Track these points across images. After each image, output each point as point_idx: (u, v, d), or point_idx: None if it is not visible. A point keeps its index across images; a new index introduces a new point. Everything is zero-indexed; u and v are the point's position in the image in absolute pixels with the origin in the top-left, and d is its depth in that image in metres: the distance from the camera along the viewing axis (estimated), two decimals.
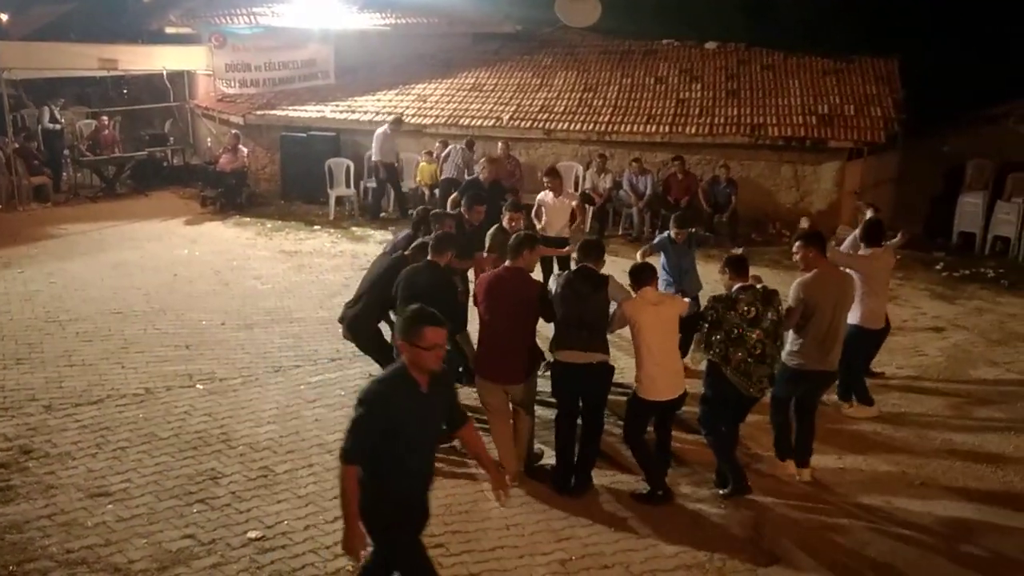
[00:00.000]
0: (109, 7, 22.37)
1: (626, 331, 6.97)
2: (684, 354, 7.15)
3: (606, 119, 16.97)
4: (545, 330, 7.13)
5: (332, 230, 15.86)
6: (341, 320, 8.02)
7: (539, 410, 7.55)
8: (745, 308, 6.69)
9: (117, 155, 18.85)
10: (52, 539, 6.10)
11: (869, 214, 8.84)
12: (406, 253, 7.98)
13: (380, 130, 16.53)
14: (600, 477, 7.18)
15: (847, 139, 15.39)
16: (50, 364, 9.25)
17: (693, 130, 16.27)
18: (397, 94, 18.75)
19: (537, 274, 8.29)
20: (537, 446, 7.46)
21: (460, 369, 8.15)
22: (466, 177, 14.83)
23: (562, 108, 17.50)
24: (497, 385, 6.96)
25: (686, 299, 7.60)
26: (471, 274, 8.41)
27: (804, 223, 11.75)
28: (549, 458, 7.33)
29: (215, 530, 6.29)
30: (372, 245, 14.87)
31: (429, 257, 7.38)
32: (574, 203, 11.27)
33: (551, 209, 11.01)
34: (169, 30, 20.41)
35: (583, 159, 16.70)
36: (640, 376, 6.77)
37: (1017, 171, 15.71)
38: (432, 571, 5.07)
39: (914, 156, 16.86)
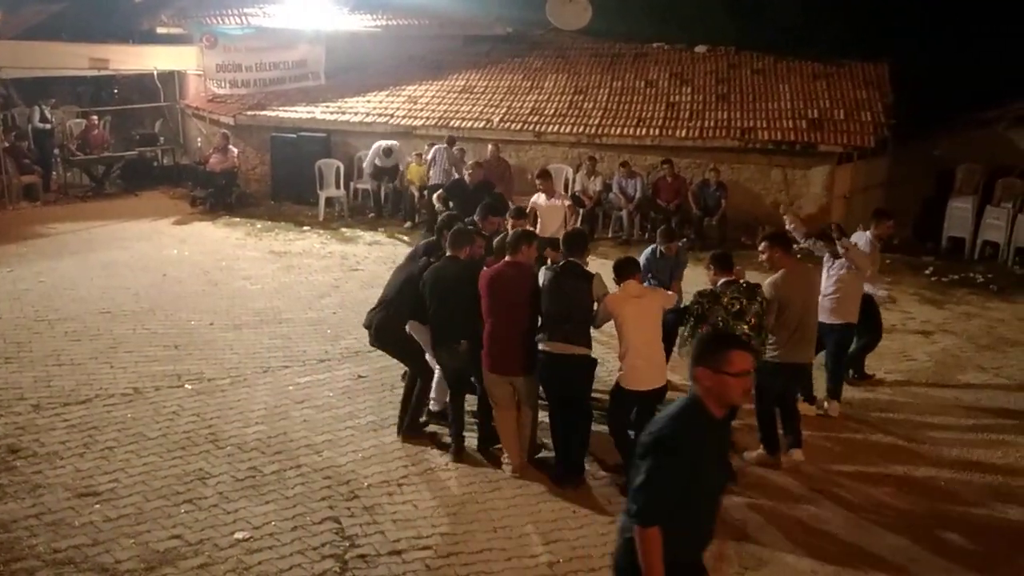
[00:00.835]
0: (100, 7, 22.25)
1: (610, 326, 7.12)
2: (670, 348, 7.21)
3: (596, 122, 17.00)
4: None
5: (321, 231, 15.86)
6: (367, 326, 7.90)
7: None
8: (729, 302, 6.89)
9: (107, 155, 18.85)
10: (39, 538, 6.09)
11: (790, 226, 8.89)
12: (431, 260, 7.90)
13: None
14: (590, 479, 7.21)
15: (837, 143, 15.44)
16: (39, 363, 9.23)
17: (683, 133, 16.31)
18: (388, 95, 18.75)
19: None
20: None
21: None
22: (455, 176, 14.88)
23: (552, 110, 17.53)
24: (503, 377, 7.17)
25: (670, 292, 7.68)
26: None
27: (789, 224, 11.71)
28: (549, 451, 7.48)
29: (203, 530, 6.29)
30: (361, 246, 14.89)
31: (448, 252, 7.51)
32: (567, 204, 11.39)
33: (544, 211, 11.08)
34: (160, 30, 20.36)
35: (573, 161, 16.73)
36: (623, 367, 6.92)
37: (1007, 176, 15.76)
38: None
39: (904, 160, 16.91)
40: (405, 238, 15.43)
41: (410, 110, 18.03)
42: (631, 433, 7.04)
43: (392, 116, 17.82)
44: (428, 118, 17.65)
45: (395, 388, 8.77)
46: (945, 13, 17.74)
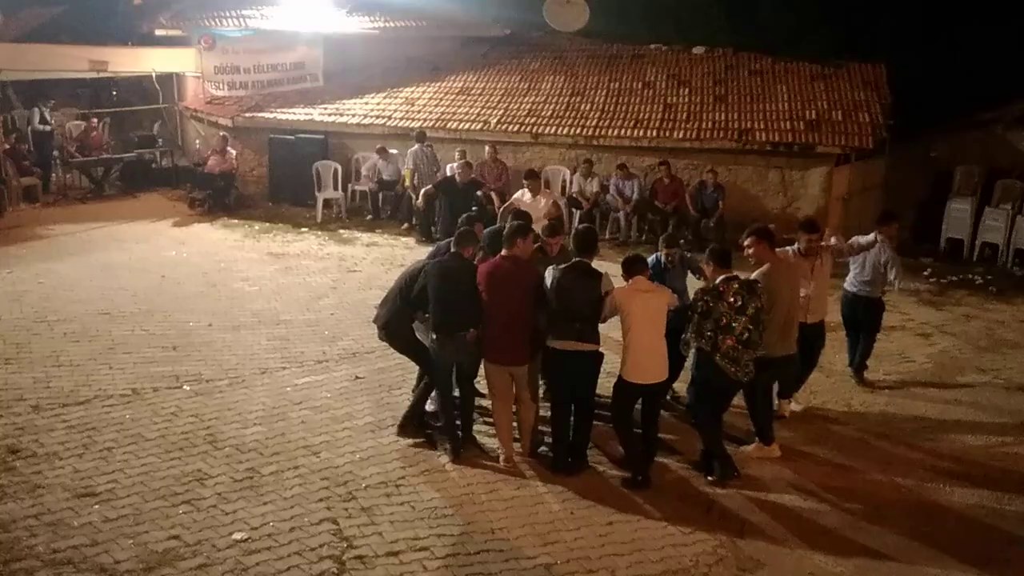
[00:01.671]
0: (99, 10, 22.27)
1: (611, 323, 7.27)
2: (674, 345, 7.27)
3: (593, 123, 17.00)
4: None
5: (319, 232, 15.87)
6: (375, 321, 8.03)
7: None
8: (732, 298, 6.99)
9: (106, 156, 18.84)
10: (39, 539, 6.11)
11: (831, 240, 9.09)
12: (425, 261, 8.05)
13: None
14: (588, 480, 7.23)
15: (835, 145, 15.44)
16: (38, 364, 9.25)
17: (680, 135, 16.30)
18: (385, 97, 18.74)
19: None
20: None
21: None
22: (433, 172, 15.22)
23: (550, 112, 17.52)
24: (502, 367, 7.41)
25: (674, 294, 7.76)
26: None
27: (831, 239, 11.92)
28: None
29: (201, 531, 6.31)
30: (359, 248, 14.90)
31: (454, 249, 7.64)
32: (551, 202, 11.83)
33: (526, 207, 11.00)
34: (159, 32, 20.31)
35: (570, 163, 16.73)
36: (626, 360, 7.11)
37: (1005, 177, 15.79)
38: None
39: (902, 162, 16.92)
40: (403, 240, 15.44)
41: (408, 112, 18.03)
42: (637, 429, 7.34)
43: (390, 118, 17.82)
44: (426, 120, 17.63)
45: (392, 389, 8.81)
46: (943, 14, 17.76)
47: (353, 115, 18.13)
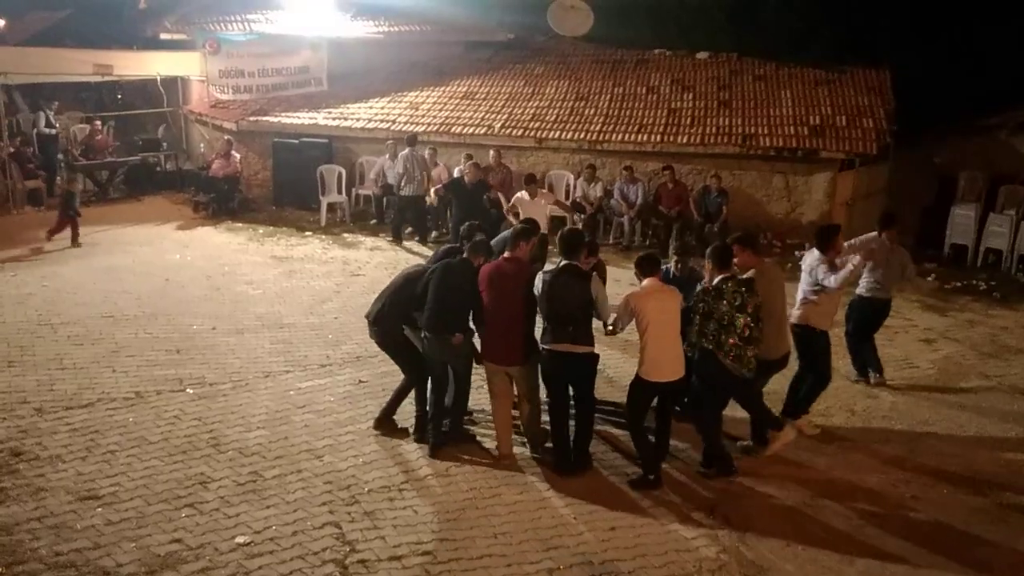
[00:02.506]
0: (104, 13, 22.33)
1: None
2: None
3: (597, 128, 17.01)
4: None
5: (323, 236, 15.88)
6: (368, 316, 8.05)
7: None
8: (732, 296, 7.08)
9: (110, 160, 18.87)
10: (41, 542, 6.12)
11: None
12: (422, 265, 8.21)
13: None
14: (591, 484, 7.23)
15: (839, 150, 15.45)
16: (41, 367, 9.26)
17: (684, 140, 16.32)
18: (389, 102, 18.78)
19: None
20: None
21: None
22: (417, 177, 15.39)
23: (554, 117, 17.54)
24: (500, 367, 7.50)
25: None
26: None
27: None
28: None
29: (203, 535, 6.31)
30: (363, 251, 14.91)
31: (466, 255, 7.75)
32: (550, 203, 12.85)
33: (527, 206, 12.09)
34: (164, 36, 20.38)
35: (574, 168, 16.74)
36: (643, 360, 7.16)
37: (1009, 183, 15.76)
38: None
39: (906, 167, 16.91)
40: (406, 244, 15.46)
41: (412, 116, 18.05)
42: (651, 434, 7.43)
43: (394, 122, 17.84)
44: (430, 124, 17.67)
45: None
46: (947, 19, 17.77)
47: (357, 119, 18.16)
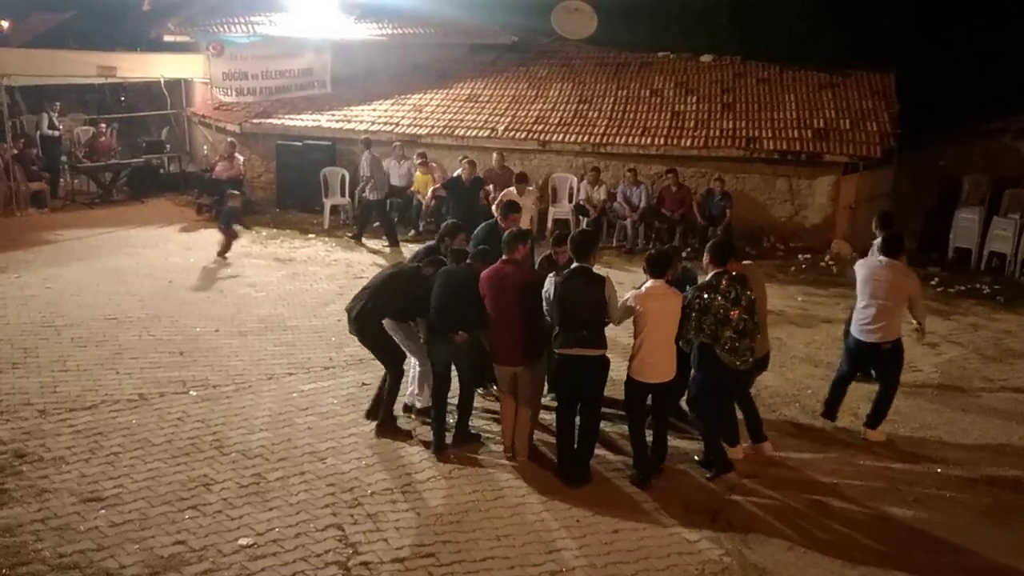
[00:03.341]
0: (108, 15, 22.38)
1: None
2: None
3: (601, 131, 17.01)
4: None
5: (327, 239, 15.89)
6: (348, 311, 8.06)
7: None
8: (727, 291, 7.15)
9: (114, 162, 18.90)
10: (45, 543, 6.12)
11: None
12: (420, 264, 8.21)
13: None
14: (594, 487, 7.23)
15: (842, 153, 15.44)
16: (45, 369, 9.27)
17: (688, 143, 16.32)
18: (393, 104, 18.80)
19: None
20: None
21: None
22: (376, 177, 15.53)
23: (557, 119, 17.55)
24: (507, 368, 7.61)
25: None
26: None
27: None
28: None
29: (206, 536, 6.31)
30: (366, 254, 14.92)
31: (469, 261, 7.83)
32: (532, 200, 13.55)
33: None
34: (167, 38, 20.41)
35: (578, 171, 16.74)
36: (635, 360, 7.22)
37: (1013, 187, 15.72)
38: None
39: (909, 171, 16.89)
40: (410, 246, 15.44)
41: (415, 119, 18.07)
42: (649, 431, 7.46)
43: (397, 125, 17.86)
44: (433, 127, 17.69)
45: (399, 396, 8.77)
46: (951, 22, 17.75)
47: (361, 122, 18.16)
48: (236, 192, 15.15)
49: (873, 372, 8.91)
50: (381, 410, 8.16)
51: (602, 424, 7.75)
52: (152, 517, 6.53)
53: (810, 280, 14.05)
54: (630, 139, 16.68)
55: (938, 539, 6.68)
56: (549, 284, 7.24)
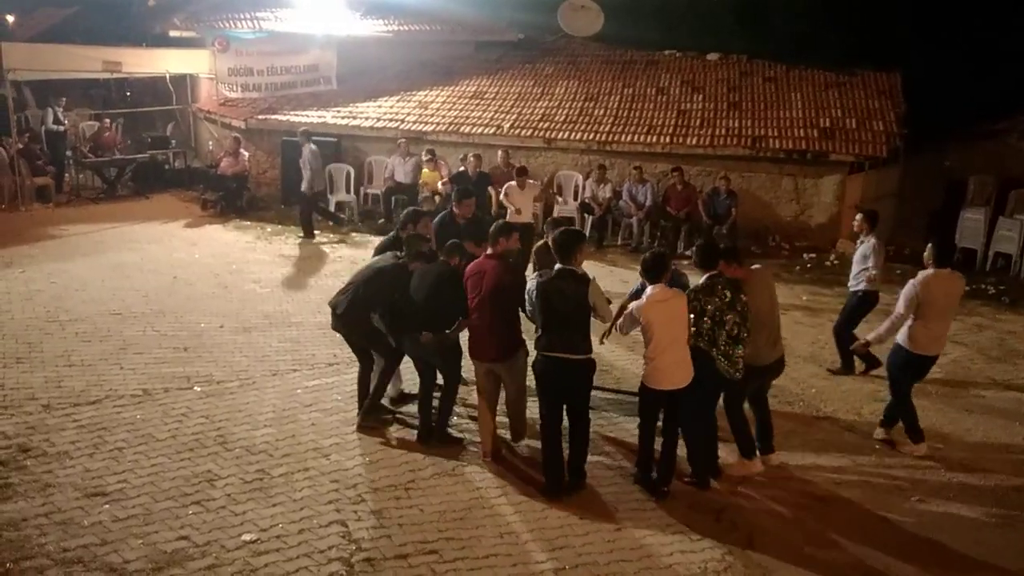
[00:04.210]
0: (113, 10, 22.43)
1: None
2: None
3: (607, 129, 17.01)
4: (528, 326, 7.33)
5: (331, 235, 15.89)
6: (333, 307, 8.04)
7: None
8: (721, 293, 6.99)
9: (119, 157, 18.93)
10: (49, 537, 6.12)
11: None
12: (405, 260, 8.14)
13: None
14: (597, 486, 7.22)
15: (848, 153, 15.43)
16: (49, 364, 9.27)
17: (694, 141, 16.32)
18: (398, 101, 18.81)
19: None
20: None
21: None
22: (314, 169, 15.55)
23: (563, 117, 17.55)
24: (484, 363, 7.45)
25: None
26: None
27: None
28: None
29: (210, 532, 6.31)
30: (370, 250, 14.76)
31: (442, 258, 7.82)
32: (535, 192, 13.80)
33: (515, 196, 12.95)
34: (173, 33, 20.44)
35: (583, 168, 16.74)
36: (649, 368, 6.97)
37: (1019, 187, 15.68)
38: None
39: (915, 171, 16.87)
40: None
41: (421, 115, 18.08)
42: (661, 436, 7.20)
43: (403, 121, 17.87)
44: (439, 124, 17.69)
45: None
46: (958, 23, 17.73)
47: (366, 118, 18.19)
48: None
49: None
50: (367, 400, 8.13)
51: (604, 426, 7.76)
52: (156, 512, 6.53)
53: (815, 279, 14.03)
54: (636, 137, 16.67)
55: (941, 540, 6.66)
56: (532, 285, 7.00)
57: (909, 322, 7.99)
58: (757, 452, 7.61)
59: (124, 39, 20.69)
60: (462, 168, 15.20)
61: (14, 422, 7.88)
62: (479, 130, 17.35)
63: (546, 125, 17.31)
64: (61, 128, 19.09)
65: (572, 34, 21.18)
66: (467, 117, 17.84)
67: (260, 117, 18.69)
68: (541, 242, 8.20)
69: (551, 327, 6.87)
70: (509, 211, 13.16)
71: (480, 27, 21.52)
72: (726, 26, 20.00)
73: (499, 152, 16.22)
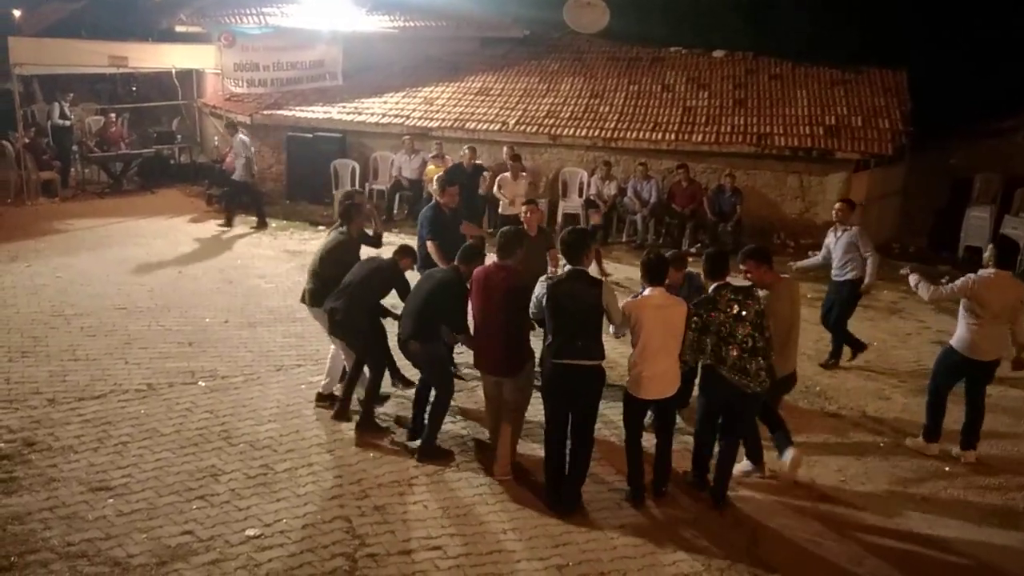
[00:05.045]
0: (120, 5, 22.45)
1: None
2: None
3: (612, 125, 16.99)
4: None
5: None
6: (331, 312, 7.95)
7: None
8: (727, 306, 6.61)
9: (124, 152, 18.95)
10: (53, 531, 6.14)
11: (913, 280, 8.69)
12: (395, 258, 8.25)
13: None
14: (598, 485, 7.22)
15: (854, 150, 15.39)
16: (54, 358, 9.29)
17: (699, 138, 16.29)
18: (404, 96, 18.80)
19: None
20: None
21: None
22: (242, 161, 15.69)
23: (568, 114, 17.53)
24: (492, 377, 7.26)
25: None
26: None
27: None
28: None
29: (214, 527, 6.33)
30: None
31: (456, 262, 7.55)
32: (527, 181, 14.57)
33: (509, 185, 13.59)
34: (179, 29, 20.44)
35: (588, 165, 16.72)
36: (632, 374, 6.73)
37: None
38: None
39: (921, 169, 16.83)
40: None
41: (426, 111, 18.06)
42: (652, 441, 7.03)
43: (408, 117, 17.86)
44: (444, 119, 17.67)
45: (406, 388, 8.78)
46: (964, 21, 17.69)
47: (372, 114, 18.18)
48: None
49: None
50: (361, 411, 8.07)
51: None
52: (160, 507, 6.55)
53: (820, 277, 13.96)
54: (641, 134, 16.64)
55: (945, 539, 6.66)
56: (540, 288, 6.74)
57: (962, 324, 7.86)
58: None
59: (130, 34, 20.72)
60: (458, 161, 15.32)
61: (19, 416, 7.90)
62: (484, 126, 17.33)
63: (551, 122, 17.29)
64: (67, 123, 19.10)
65: (578, 30, 21.16)
66: (472, 113, 17.83)
67: (266, 112, 18.68)
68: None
69: (561, 331, 6.60)
70: (502, 202, 13.31)
71: (486, 23, 21.51)
72: (732, 23, 19.97)
73: (504, 148, 16.21)
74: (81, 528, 6.21)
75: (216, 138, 19.70)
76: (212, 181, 17.96)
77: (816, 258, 10.32)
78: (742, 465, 7.39)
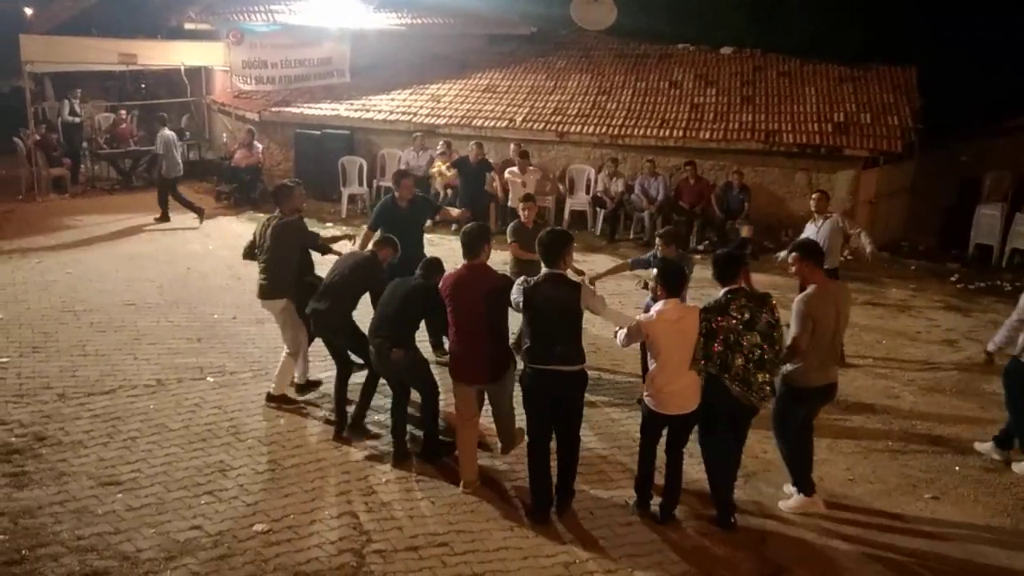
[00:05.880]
0: (130, 3, 22.42)
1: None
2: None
3: (619, 122, 16.96)
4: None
5: (344, 227, 15.88)
6: (314, 314, 7.86)
7: None
8: (737, 312, 6.24)
9: (134, 149, 19.01)
10: (63, 525, 6.18)
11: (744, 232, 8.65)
12: (374, 251, 8.26)
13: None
14: (605, 484, 7.22)
15: (863, 148, 15.32)
16: (65, 353, 9.34)
17: (707, 135, 16.25)
18: (411, 94, 18.81)
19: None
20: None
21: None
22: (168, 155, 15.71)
23: (575, 111, 17.51)
24: (471, 386, 6.92)
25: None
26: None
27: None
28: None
29: (222, 522, 6.35)
30: None
31: (420, 273, 7.40)
32: (536, 177, 14.75)
33: (515, 180, 13.72)
34: (188, 26, 20.49)
35: (595, 162, 16.71)
36: (651, 388, 6.46)
37: None
38: None
39: (930, 166, 16.77)
40: (427, 236, 15.42)
41: (433, 108, 18.07)
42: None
43: (415, 114, 17.87)
44: (451, 117, 17.68)
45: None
46: (974, 18, 17.62)
47: (379, 111, 18.20)
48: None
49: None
50: (352, 414, 7.97)
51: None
52: (168, 502, 6.58)
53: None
54: (648, 131, 16.62)
55: (955, 537, 6.65)
56: (517, 293, 6.42)
57: None
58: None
59: (140, 31, 20.75)
60: (465, 154, 15.36)
61: (30, 411, 7.95)
62: (491, 123, 17.32)
63: (558, 119, 17.28)
64: (77, 120, 19.19)
65: (585, 27, 21.15)
66: (479, 110, 17.83)
67: (274, 109, 18.73)
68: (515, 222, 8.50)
69: (540, 337, 6.34)
70: (510, 197, 13.33)
71: (493, 20, 21.51)
72: (739, 20, 19.93)
73: (511, 146, 16.21)
74: (91, 522, 6.25)
75: (225, 135, 19.75)
76: (220, 178, 18.01)
77: None
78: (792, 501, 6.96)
